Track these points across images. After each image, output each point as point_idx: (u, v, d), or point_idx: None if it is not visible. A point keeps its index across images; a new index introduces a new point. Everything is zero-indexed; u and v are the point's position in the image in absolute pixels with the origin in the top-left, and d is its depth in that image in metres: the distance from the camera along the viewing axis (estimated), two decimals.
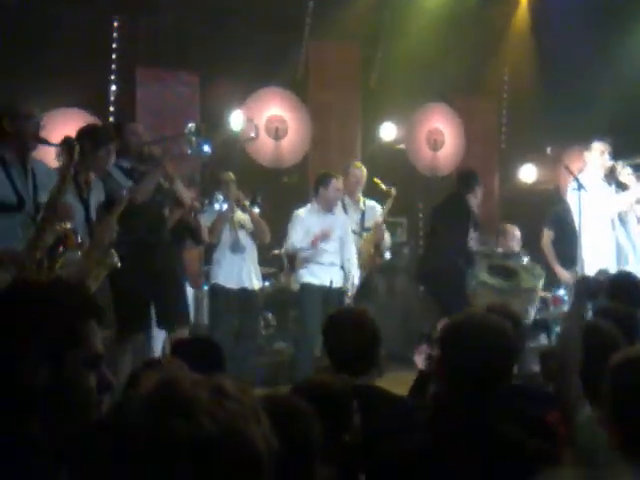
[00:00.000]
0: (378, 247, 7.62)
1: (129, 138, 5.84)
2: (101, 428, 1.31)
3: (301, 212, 7.23)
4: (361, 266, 7.40)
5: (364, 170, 7.71)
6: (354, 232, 7.50)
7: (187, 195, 6.19)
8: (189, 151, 5.93)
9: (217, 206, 6.98)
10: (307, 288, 7.06)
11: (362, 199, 7.72)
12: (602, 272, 6.10)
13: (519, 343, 3.14)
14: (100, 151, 5.45)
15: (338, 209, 7.38)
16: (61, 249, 4.69)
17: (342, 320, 3.44)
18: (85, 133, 5.52)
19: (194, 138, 5.88)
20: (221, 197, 6.99)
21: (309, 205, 7.28)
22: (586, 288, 3.29)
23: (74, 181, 5.44)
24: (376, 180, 7.84)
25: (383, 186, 7.80)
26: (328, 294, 7.00)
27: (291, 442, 1.64)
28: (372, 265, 7.63)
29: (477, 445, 2.44)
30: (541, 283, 7.54)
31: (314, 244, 7.05)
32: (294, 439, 1.90)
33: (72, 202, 5.39)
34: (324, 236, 7.07)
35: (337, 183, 7.20)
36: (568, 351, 2.90)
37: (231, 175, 7.12)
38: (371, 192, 7.89)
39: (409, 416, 3.12)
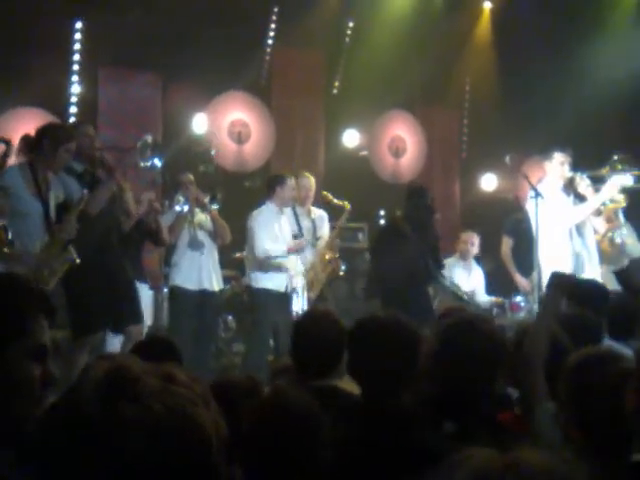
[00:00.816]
0: (334, 258, 7.63)
1: (82, 139, 5.80)
2: (52, 412, 1.30)
3: (261, 215, 7.24)
4: (316, 277, 7.44)
5: (312, 179, 7.69)
6: (308, 242, 7.52)
7: (134, 206, 6.24)
8: (141, 163, 5.95)
9: (178, 207, 6.97)
10: (263, 292, 7.10)
11: (311, 209, 7.73)
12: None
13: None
14: (60, 150, 5.45)
15: (286, 214, 7.40)
16: None
17: (308, 322, 3.45)
18: (46, 131, 5.53)
19: (148, 150, 5.91)
20: (182, 199, 6.98)
21: (264, 207, 7.28)
22: (560, 284, 3.24)
23: (33, 179, 5.43)
24: (326, 194, 7.80)
25: (335, 200, 7.74)
26: (282, 298, 7.08)
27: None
28: (330, 276, 7.65)
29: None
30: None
31: (290, 251, 7.11)
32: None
33: (29, 199, 5.38)
34: (299, 246, 7.14)
35: (292, 183, 7.27)
36: (535, 348, 2.92)
37: (190, 176, 7.13)
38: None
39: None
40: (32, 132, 5.61)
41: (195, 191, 7.05)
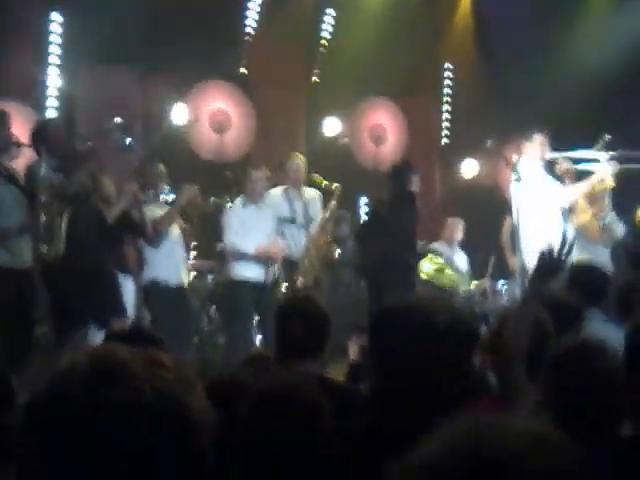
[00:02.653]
0: (330, 243, 7.66)
1: (50, 133, 5.93)
2: (34, 404, 1.30)
3: (233, 207, 7.31)
4: (311, 262, 7.45)
5: (302, 159, 7.76)
6: (299, 224, 7.54)
7: (114, 194, 6.24)
8: (114, 145, 6.00)
9: (163, 196, 6.97)
10: (242, 283, 7.12)
11: (304, 189, 7.75)
12: None
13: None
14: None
15: (267, 203, 7.40)
16: None
17: (291, 308, 3.47)
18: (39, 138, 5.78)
19: (119, 133, 5.94)
20: (167, 187, 6.97)
21: (238, 199, 7.34)
22: (546, 265, 2.98)
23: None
24: (315, 176, 7.81)
25: (324, 182, 7.77)
26: (261, 289, 7.10)
27: None
28: (325, 260, 7.67)
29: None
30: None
31: (256, 256, 7.09)
32: None
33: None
34: (265, 254, 7.11)
35: (257, 174, 7.26)
36: (518, 336, 2.83)
37: (159, 168, 7.07)
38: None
39: (352, 404, 3.13)
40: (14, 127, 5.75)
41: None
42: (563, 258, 2.92)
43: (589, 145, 7.41)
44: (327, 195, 7.82)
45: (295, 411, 2.22)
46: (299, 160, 7.75)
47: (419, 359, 2.35)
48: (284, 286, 7.35)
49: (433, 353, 2.35)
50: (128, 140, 6.07)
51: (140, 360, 1.18)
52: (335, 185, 7.73)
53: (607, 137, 7.34)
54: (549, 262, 3.02)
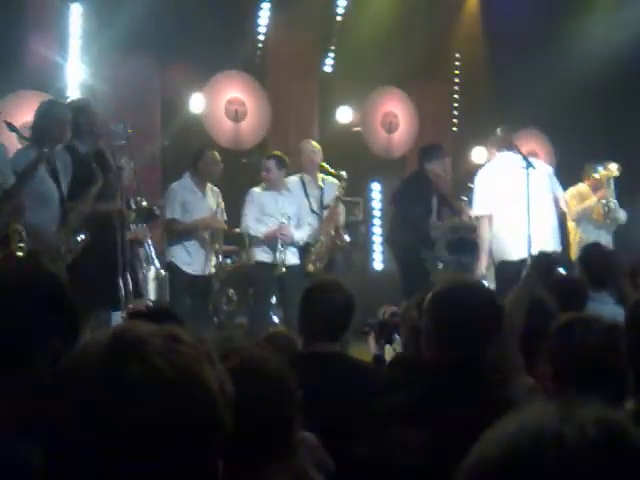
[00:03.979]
0: (338, 229, 7.82)
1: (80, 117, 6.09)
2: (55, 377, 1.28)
3: (254, 191, 7.44)
4: (321, 248, 7.63)
5: (317, 146, 7.88)
6: (314, 212, 7.70)
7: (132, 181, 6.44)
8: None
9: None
10: (259, 265, 7.32)
11: (321, 176, 7.87)
12: None
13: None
14: None
15: (289, 189, 7.55)
16: None
17: (317, 290, 3.55)
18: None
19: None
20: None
21: (261, 185, 7.48)
22: (542, 263, 3.43)
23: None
24: (322, 164, 7.90)
25: (332, 170, 7.87)
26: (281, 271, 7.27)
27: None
28: (333, 247, 7.79)
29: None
30: None
31: (268, 239, 7.26)
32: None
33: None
34: (277, 234, 7.25)
35: (268, 163, 7.39)
36: (512, 320, 2.99)
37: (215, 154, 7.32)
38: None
39: (378, 383, 3.22)
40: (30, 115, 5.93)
41: None
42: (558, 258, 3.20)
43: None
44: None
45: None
46: (312, 146, 7.89)
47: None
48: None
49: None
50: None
51: (158, 336, 1.19)
52: (341, 172, 7.82)
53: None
54: (545, 261, 3.36)
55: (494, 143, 7.43)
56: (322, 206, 7.78)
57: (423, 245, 7.54)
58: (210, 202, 7.32)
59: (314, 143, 7.99)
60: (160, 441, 1.13)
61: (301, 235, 7.43)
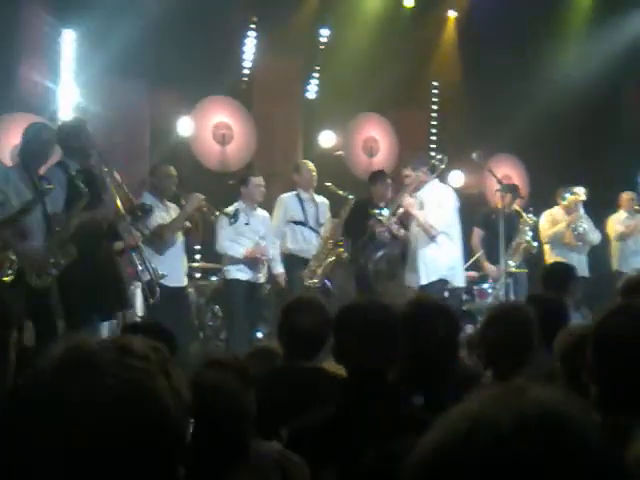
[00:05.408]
0: (336, 243, 8.07)
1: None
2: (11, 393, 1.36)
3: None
4: (319, 262, 7.93)
5: (312, 166, 8.26)
6: (311, 228, 8.03)
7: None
8: None
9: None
10: (234, 283, 7.56)
11: (314, 195, 8.21)
12: None
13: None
14: None
15: (261, 209, 7.86)
16: None
17: (295, 308, 3.61)
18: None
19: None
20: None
21: (235, 204, 7.65)
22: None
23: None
24: (331, 186, 8.15)
25: (340, 192, 8.11)
26: (254, 289, 7.59)
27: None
28: (336, 260, 8.08)
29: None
30: None
31: (246, 258, 7.51)
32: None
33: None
34: (252, 256, 7.52)
35: (256, 180, 7.73)
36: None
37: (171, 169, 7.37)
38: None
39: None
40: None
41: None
42: None
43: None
44: (343, 204, 8.20)
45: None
46: (310, 167, 8.23)
47: None
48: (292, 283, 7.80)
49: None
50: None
51: (109, 349, 1.20)
52: (350, 196, 8.10)
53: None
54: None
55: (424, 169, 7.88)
56: (318, 223, 8.11)
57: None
58: (172, 214, 7.25)
59: (310, 164, 8.33)
60: (115, 456, 1.14)
61: (272, 253, 7.80)
